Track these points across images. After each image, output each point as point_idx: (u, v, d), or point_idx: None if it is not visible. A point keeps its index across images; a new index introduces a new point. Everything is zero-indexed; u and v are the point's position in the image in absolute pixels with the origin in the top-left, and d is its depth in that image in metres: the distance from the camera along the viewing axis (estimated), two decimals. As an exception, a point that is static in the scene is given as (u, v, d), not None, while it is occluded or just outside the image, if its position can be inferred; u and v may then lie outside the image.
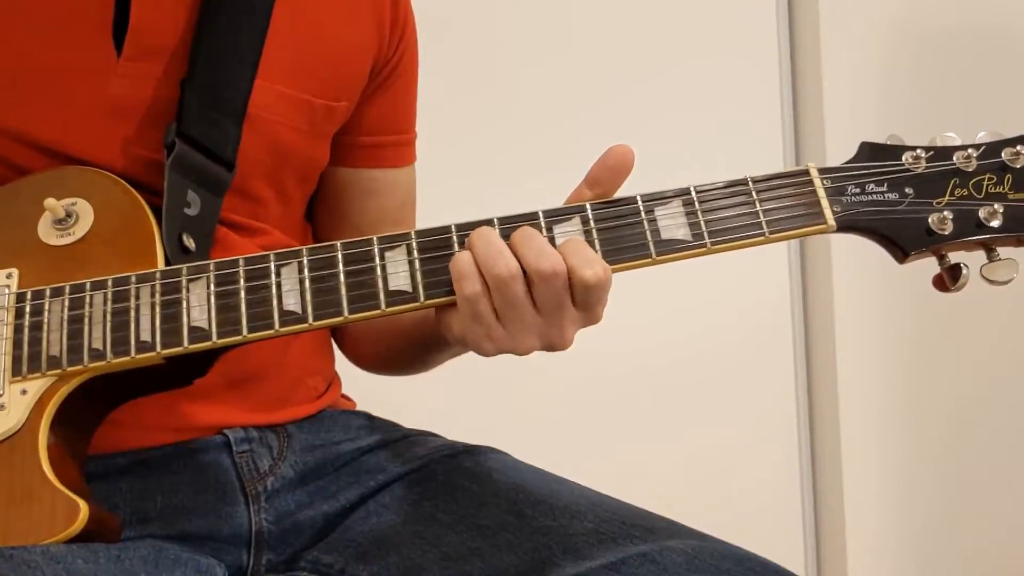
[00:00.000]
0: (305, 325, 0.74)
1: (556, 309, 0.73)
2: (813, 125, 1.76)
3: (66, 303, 0.75)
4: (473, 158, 1.66)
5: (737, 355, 1.76)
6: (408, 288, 0.75)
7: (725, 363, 1.76)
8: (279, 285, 0.75)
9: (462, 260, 0.73)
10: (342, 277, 0.75)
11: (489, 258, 0.73)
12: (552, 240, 0.75)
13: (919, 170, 0.76)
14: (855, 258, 1.63)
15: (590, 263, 0.72)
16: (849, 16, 1.74)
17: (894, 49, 1.74)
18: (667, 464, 1.71)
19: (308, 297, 0.74)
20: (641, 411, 1.72)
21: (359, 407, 0.99)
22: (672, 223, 0.75)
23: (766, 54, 1.80)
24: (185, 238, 0.79)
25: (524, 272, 0.73)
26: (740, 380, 1.77)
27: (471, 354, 0.79)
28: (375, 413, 0.98)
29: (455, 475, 0.88)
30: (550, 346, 0.75)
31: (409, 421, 0.97)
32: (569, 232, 0.75)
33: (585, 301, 0.73)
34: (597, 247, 0.74)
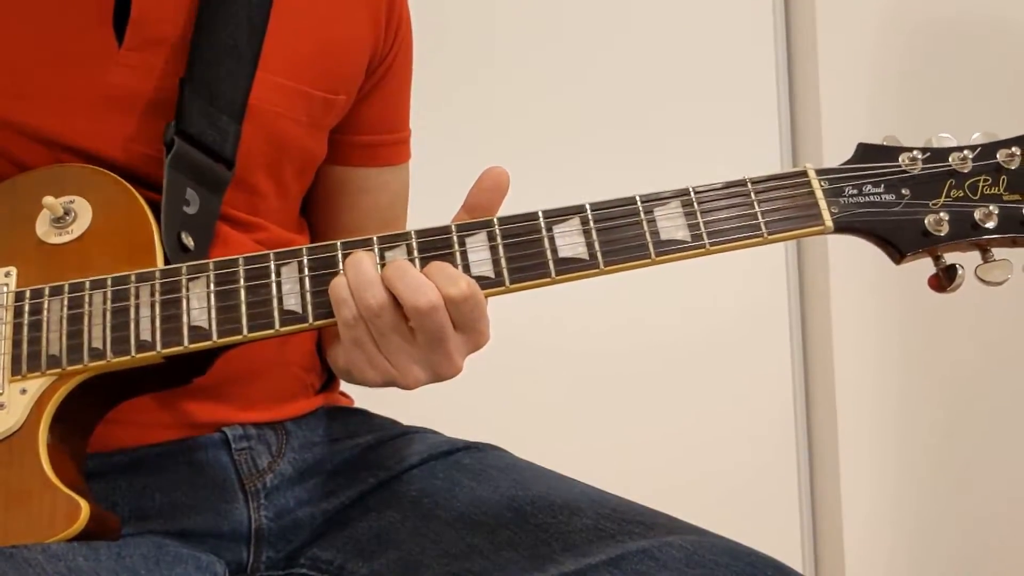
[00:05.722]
0: (305, 325, 0.74)
1: (439, 341, 0.72)
2: (810, 123, 1.76)
3: (65, 302, 0.75)
4: (467, 161, 1.65)
5: (735, 352, 1.76)
6: None
7: (723, 360, 1.75)
8: (279, 285, 0.74)
9: (339, 285, 0.72)
10: None
11: (360, 287, 0.72)
12: (552, 239, 0.75)
13: (915, 171, 0.76)
14: (851, 254, 1.63)
15: (454, 281, 0.71)
16: (846, 14, 1.74)
17: (891, 46, 1.74)
18: (666, 461, 1.71)
19: (308, 297, 0.74)
20: (639, 409, 1.72)
21: (356, 404, 0.99)
22: (671, 224, 0.75)
23: (763, 53, 1.79)
24: (184, 236, 0.79)
25: (401, 304, 0.72)
26: (738, 377, 1.76)
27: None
28: (373, 410, 0.98)
29: (454, 472, 0.88)
30: (438, 376, 0.74)
31: (408, 418, 0.97)
32: (567, 232, 0.75)
33: (463, 322, 0.72)
34: (597, 247, 0.74)
